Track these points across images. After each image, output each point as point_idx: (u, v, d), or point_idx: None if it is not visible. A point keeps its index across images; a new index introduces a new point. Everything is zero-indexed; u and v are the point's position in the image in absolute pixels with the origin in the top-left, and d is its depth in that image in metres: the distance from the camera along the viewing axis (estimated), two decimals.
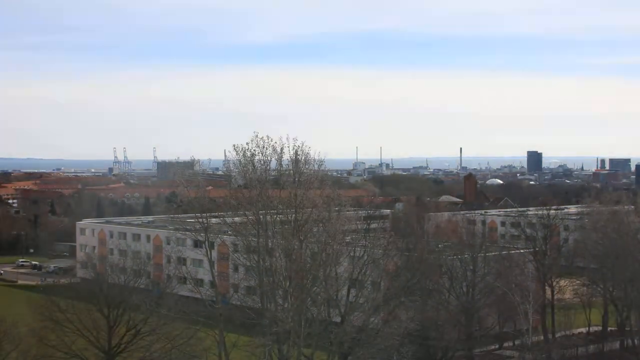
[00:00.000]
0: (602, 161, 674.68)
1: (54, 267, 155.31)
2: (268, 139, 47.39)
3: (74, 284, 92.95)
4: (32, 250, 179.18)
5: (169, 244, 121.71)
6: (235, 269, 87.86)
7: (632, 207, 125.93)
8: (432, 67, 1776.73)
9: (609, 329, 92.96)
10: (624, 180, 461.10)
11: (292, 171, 50.23)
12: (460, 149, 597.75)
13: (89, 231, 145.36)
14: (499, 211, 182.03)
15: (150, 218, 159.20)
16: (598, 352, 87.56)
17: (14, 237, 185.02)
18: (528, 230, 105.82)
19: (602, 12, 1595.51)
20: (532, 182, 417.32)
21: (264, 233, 46.58)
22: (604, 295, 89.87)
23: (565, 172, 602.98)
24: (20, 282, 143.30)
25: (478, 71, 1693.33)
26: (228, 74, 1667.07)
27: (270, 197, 48.93)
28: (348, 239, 72.38)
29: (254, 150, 47.39)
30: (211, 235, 49.93)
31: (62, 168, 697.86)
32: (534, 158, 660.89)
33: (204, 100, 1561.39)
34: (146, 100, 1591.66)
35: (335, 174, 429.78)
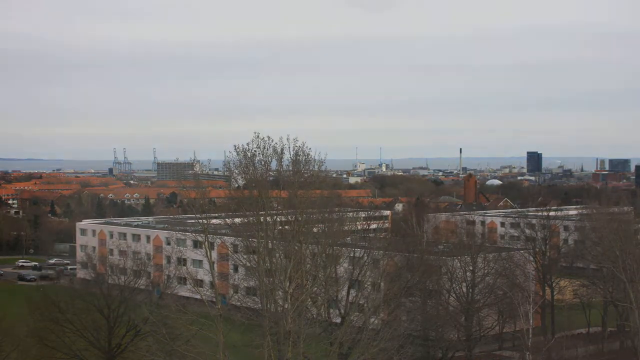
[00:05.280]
0: (602, 162, 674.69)
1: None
2: (269, 140, 47.34)
3: (74, 284, 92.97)
4: (32, 251, 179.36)
5: (169, 244, 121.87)
6: (235, 270, 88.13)
7: (632, 207, 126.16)
8: None
9: (609, 329, 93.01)
10: (624, 181, 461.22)
11: (292, 172, 50.20)
12: (460, 149, 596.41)
13: (89, 232, 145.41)
14: (499, 212, 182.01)
15: (150, 218, 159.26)
16: (598, 352, 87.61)
17: (14, 237, 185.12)
18: (528, 231, 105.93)
19: None
20: (532, 183, 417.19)
21: (264, 234, 46.55)
22: (603, 295, 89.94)
23: (565, 172, 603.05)
24: None
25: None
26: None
27: (270, 198, 48.92)
28: (348, 239, 72.52)
29: (255, 150, 47.33)
30: (211, 235, 49.90)
31: (62, 168, 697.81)
32: (534, 158, 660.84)
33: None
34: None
35: (335, 174, 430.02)
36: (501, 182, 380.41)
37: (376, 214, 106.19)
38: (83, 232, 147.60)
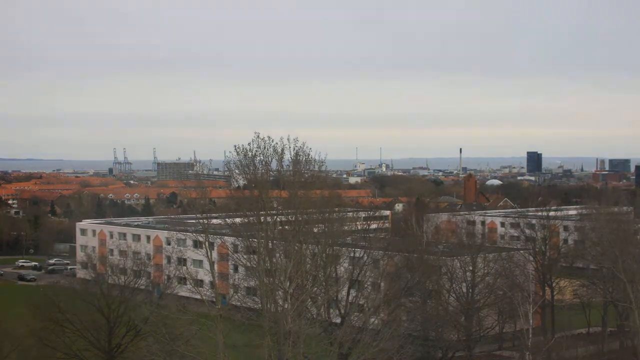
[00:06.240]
0: (602, 162, 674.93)
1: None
2: (269, 140, 47.35)
3: (74, 284, 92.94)
4: (32, 251, 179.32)
5: (169, 244, 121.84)
6: (235, 270, 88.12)
7: (632, 207, 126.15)
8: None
9: (609, 329, 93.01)
10: (624, 181, 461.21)
11: (292, 172, 50.23)
12: (460, 149, 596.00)
13: (89, 232, 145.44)
14: (499, 212, 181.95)
15: (150, 218, 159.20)
16: (598, 352, 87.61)
17: (14, 237, 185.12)
18: (528, 231, 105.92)
19: None
20: (532, 183, 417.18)
21: (265, 234, 46.57)
22: (603, 295, 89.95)
23: (565, 172, 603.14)
24: None
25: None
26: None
27: (270, 198, 48.94)
28: (348, 239, 72.54)
29: (255, 150, 47.33)
30: (211, 235, 49.92)
31: (62, 168, 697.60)
32: (534, 158, 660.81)
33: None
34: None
35: (335, 174, 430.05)
36: (501, 182, 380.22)
37: (376, 214, 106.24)
38: (83, 232, 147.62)
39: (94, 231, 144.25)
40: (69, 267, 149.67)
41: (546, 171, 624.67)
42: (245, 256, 55.30)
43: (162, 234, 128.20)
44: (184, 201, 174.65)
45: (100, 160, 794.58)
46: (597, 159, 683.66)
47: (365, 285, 68.03)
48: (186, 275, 77.58)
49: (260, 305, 46.93)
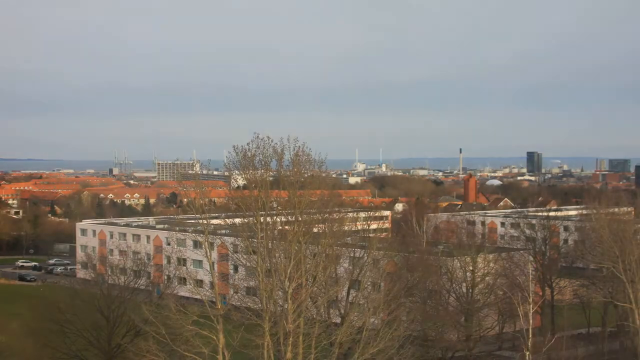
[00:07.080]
0: (602, 162, 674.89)
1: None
2: (268, 140, 47.21)
3: (74, 284, 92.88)
4: (32, 251, 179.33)
5: (169, 244, 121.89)
6: (235, 270, 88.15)
7: (632, 207, 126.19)
8: None
9: (609, 329, 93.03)
10: (624, 181, 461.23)
11: (292, 172, 50.10)
12: (460, 149, 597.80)
13: (89, 232, 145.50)
14: (499, 212, 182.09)
15: (150, 218, 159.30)
16: (598, 352, 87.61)
17: (14, 237, 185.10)
18: (528, 231, 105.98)
19: None
20: (531, 183, 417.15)
21: (265, 234, 46.53)
22: (603, 295, 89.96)
23: (565, 172, 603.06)
24: None
25: None
26: None
27: (270, 198, 48.86)
28: (348, 239, 72.51)
29: (254, 151, 47.23)
30: (211, 236, 49.85)
31: (62, 169, 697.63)
32: (534, 158, 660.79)
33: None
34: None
35: (334, 174, 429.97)
36: (501, 182, 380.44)
37: (376, 214, 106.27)
38: (83, 232, 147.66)
39: (94, 231, 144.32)
40: (69, 267, 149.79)
41: (546, 171, 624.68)
42: (245, 256, 55.23)
43: (162, 234, 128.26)
44: (183, 201, 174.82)
45: (100, 160, 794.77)
46: (597, 159, 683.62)
47: (365, 285, 68.00)
48: (186, 276, 77.41)
49: (260, 305, 46.89)
